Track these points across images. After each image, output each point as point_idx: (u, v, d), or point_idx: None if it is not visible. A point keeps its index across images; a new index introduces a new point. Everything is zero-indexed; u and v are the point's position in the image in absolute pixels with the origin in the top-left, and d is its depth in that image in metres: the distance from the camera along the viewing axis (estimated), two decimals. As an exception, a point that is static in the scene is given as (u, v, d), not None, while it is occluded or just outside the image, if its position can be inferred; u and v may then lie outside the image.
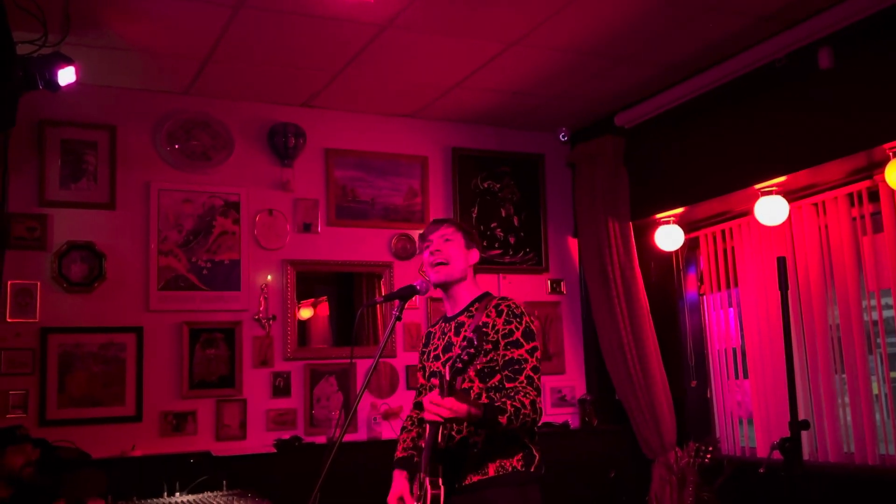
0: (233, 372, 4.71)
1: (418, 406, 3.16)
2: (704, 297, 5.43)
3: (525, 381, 2.75)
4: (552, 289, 5.65)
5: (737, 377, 5.19)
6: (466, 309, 2.98)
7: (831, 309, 4.50)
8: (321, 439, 4.77)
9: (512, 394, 2.72)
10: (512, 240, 5.56)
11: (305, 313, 5.03)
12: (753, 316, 4.94)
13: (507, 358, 2.80)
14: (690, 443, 4.60)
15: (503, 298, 2.96)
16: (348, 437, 4.86)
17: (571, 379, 5.60)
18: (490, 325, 2.85)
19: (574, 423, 5.48)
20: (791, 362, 2.73)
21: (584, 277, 5.61)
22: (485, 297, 2.98)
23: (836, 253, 4.45)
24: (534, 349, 2.83)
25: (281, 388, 4.81)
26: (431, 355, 3.03)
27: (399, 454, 3.06)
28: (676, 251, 5.40)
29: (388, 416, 4.95)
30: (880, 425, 4.24)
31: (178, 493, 4.08)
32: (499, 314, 2.86)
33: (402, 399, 5.02)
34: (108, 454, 4.26)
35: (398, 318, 2.92)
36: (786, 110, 4.28)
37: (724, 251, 5.19)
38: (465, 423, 2.76)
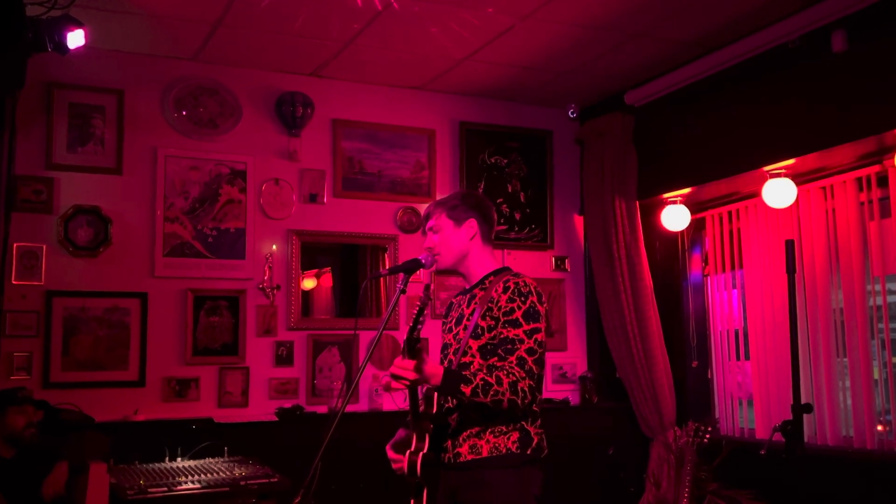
0: (236, 340, 4.73)
1: None
2: (708, 278, 5.43)
3: (515, 362, 2.67)
4: (556, 266, 5.65)
5: (738, 359, 5.20)
6: (481, 282, 2.95)
7: (835, 293, 4.49)
8: (322, 409, 4.80)
9: (496, 372, 2.66)
10: (518, 216, 5.55)
11: (308, 283, 5.04)
12: (757, 298, 4.94)
13: (502, 336, 2.74)
14: (690, 422, 4.62)
15: (516, 275, 2.89)
16: (350, 408, 4.88)
17: (573, 356, 5.62)
18: (495, 302, 2.80)
19: (574, 399, 5.50)
20: (796, 345, 2.73)
21: (588, 255, 5.61)
22: (502, 272, 2.93)
23: (842, 237, 4.44)
24: (534, 330, 2.74)
25: (284, 357, 4.83)
26: (447, 326, 3.03)
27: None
28: (682, 232, 5.38)
29: (389, 388, 4.95)
30: (880, 409, 4.26)
31: (179, 458, 4.12)
32: (504, 290, 2.80)
33: (404, 371, 5.03)
34: (111, 418, 4.29)
35: (402, 292, 2.91)
36: (797, 93, 4.25)
37: (730, 233, 5.18)
38: (468, 399, 2.74)
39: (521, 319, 2.75)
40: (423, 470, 2.75)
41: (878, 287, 4.28)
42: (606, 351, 5.41)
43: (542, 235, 5.61)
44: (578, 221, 5.75)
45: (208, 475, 3.82)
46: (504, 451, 2.74)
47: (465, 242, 2.96)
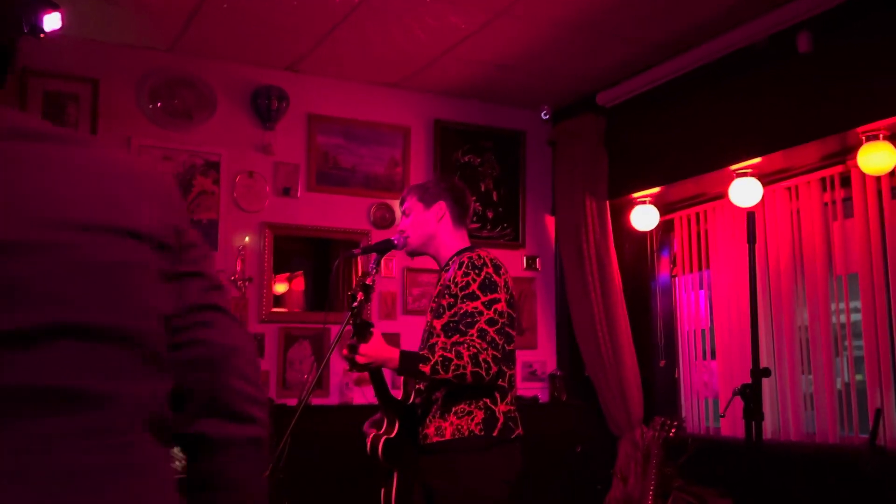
0: (207, 331, 4.71)
1: None
2: (676, 278, 5.52)
3: (476, 335, 2.66)
4: (528, 265, 5.71)
5: (704, 358, 5.28)
6: (447, 263, 3.01)
7: (799, 293, 4.59)
8: (293, 402, 4.77)
9: (456, 347, 2.65)
10: (490, 214, 5.60)
11: (280, 287, 5.05)
12: (724, 297, 5.03)
13: (461, 311, 2.74)
14: (656, 417, 4.67)
15: (471, 249, 2.92)
16: (320, 401, 4.90)
17: (543, 354, 5.67)
18: (451, 279, 2.82)
19: (543, 397, 5.55)
20: (755, 311, 2.79)
21: (559, 255, 5.67)
22: (465, 251, 2.97)
23: (806, 237, 4.54)
24: (493, 301, 2.72)
25: (254, 349, 4.82)
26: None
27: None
28: (651, 233, 5.47)
29: (360, 382, 4.98)
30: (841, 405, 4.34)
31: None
32: (459, 266, 2.81)
33: (375, 366, 5.06)
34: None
35: (376, 271, 2.97)
36: (764, 93, 4.36)
37: (698, 234, 5.27)
38: (429, 377, 2.72)
39: (477, 292, 2.73)
40: (384, 453, 2.78)
41: (841, 286, 4.37)
42: (576, 350, 5.47)
43: (514, 234, 5.67)
44: (550, 221, 5.82)
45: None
46: (467, 433, 2.71)
47: (433, 224, 2.99)
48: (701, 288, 5.36)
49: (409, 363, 2.64)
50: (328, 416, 4.71)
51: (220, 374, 1.15)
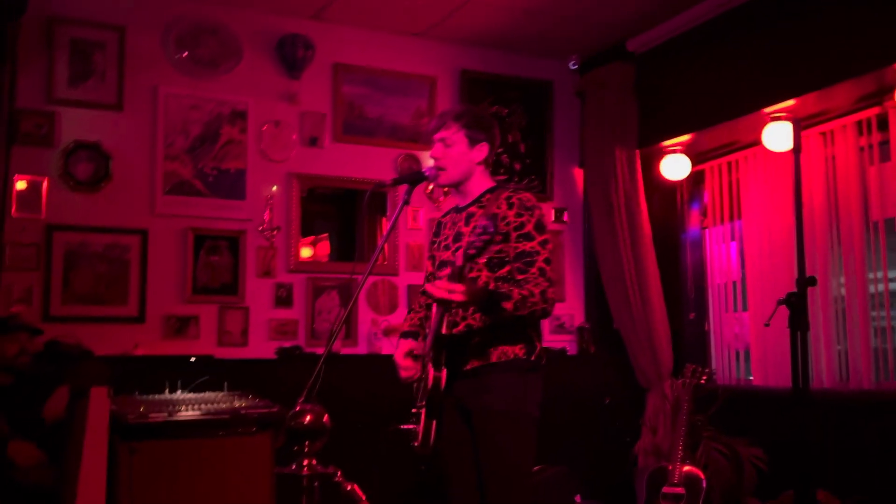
0: (236, 280, 4.73)
1: (425, 293, 3.19)
2: (706, 231, 5.45)
3: (537, 273, 2.78)
4: (556, 217, 5.66)
5: (735, 310, 5.22)
6: (477, 200, 2.99)
7: (834, 241, 4.50)
8: (321, 350, 4.78)
9: (523, 284, 2.75)
10: (517, 166, 5.55)
11: (306, 252, 5.04)
12: (756, 247, 4.95)
13: (518, 250, 2.82)
14: (687, 365, 4.64)
15: (515, 191, 2.95)
16: (349, 350, 4.91)
17: (571, 307, 5.63)
18: (500, 217, 2.85)
19: (572, 350, 5.52)
20: (800, 220, 2.73)
21: (587, 207, 5.62)
22: (497, 189, 2.99)
23: (842, 183, 4.45)
24: (545, 241, 2.84)
25: (283, 298, 4.83)
26: (442, 245, 3.05)
27: (406, 329, 3.12)
28: (681, 184, 5.40)
29: (388, 332, 4.98)
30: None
31: (179, 391, 4.12)
32: (510, 206, 2.86)
33: (402, 317, 5.05)
34: (111, 352, 4.28)
35: (406, 203, 2.96)
36: (797, 32, 4.25)
37: (729, 184, 5.19)
38: (470, 311, 2.81)
39: (533, 232, 2.83)
40: (444, 387, 2.79)
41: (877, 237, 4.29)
42: (604, 302, 5.42)
43: (542, 186, 5.61)
44: (578, 174, 5.76)
45: (208, 405, 3.83)
46: (512, 356, 2.83)
47: (473, 164, 2.99)
48: (732, 240, 5.29)
49: (494, 301, 2.70)
50: (358, 364, 4.75)
51: None
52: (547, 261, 2.81)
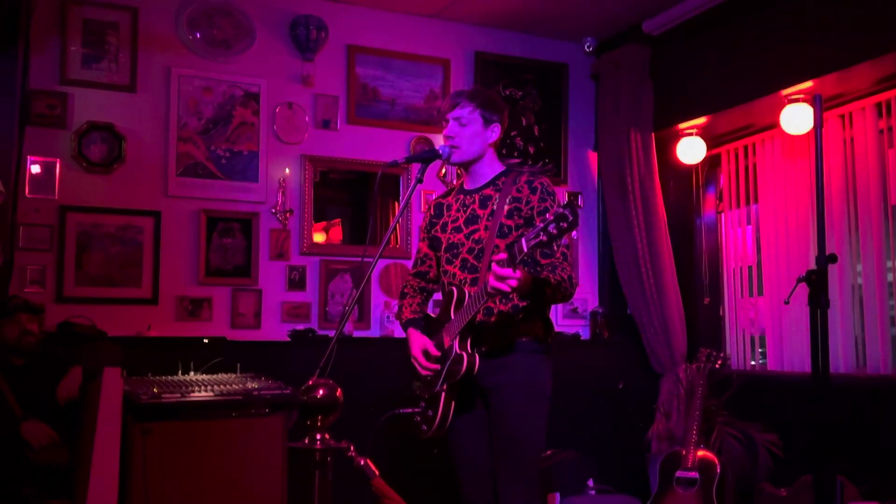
0: (249, 262, 4.72)
1: (419, 276, 3.17)
2: (722, 215, 5.40)
3: (561, 258, 2.82)
4: (569, 201, 5.63)
5: (751, 295, 5.18)
6: (492, 182, 2.97)
7: (852, 225, 4.45)
8: (334, 333, 4.79)
9: (551, 269, 2.80)
10: (531, 149, 5.51)
11: (318, 238, 5.02)
12: (772, 231, 4.91)
13: None
14: (702, 349, 4.61)
15: (534, 175, 2.94)
16: (361, 333, 4.90)
17: (584, 291, 5.59)
18: (523, 201, 2.86)
19: (585, 334, 5.50)
20: (822, 196, 2.69)
21: (601, 191, 5.58)
22: (511, 172, 2.97)
23: (860, 166, 4.39)
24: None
25: (296, 281, 4.83)
26: (450, 227, 3.02)
27: (410, 316, 3.10)
28: (697, 168, 5.35)
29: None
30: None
31: (192, 373, 4.12)
32: (532, 191, 2.87)
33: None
34: (124, 333, 4.29)
35: (419, 181, 2.94)
36: (816, 12, 4.20)
37: (746, 168, 5.14)
38: (548, 300, 2.89)
39: None
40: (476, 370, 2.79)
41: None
42: (618, 287, 5.39)
43: (556, 170, 5.57)
44: (592, 158, 5.71)
45: (221, 386, 3.83)
46: (531, 336, 2.87)
47: (486, 145, 2.98)
48: (748, 224, 5.24)
49: (539, 287, 2.76)
50: (370, 347, 4.73)
51: None
52: (568, 245, 2.84)
